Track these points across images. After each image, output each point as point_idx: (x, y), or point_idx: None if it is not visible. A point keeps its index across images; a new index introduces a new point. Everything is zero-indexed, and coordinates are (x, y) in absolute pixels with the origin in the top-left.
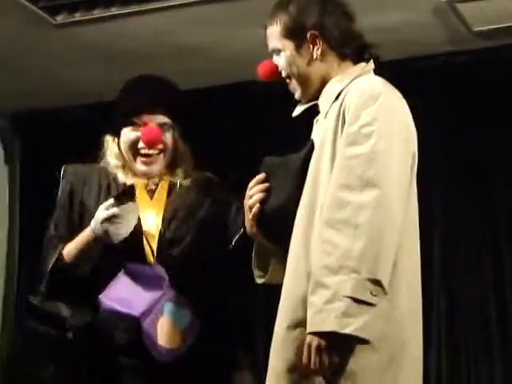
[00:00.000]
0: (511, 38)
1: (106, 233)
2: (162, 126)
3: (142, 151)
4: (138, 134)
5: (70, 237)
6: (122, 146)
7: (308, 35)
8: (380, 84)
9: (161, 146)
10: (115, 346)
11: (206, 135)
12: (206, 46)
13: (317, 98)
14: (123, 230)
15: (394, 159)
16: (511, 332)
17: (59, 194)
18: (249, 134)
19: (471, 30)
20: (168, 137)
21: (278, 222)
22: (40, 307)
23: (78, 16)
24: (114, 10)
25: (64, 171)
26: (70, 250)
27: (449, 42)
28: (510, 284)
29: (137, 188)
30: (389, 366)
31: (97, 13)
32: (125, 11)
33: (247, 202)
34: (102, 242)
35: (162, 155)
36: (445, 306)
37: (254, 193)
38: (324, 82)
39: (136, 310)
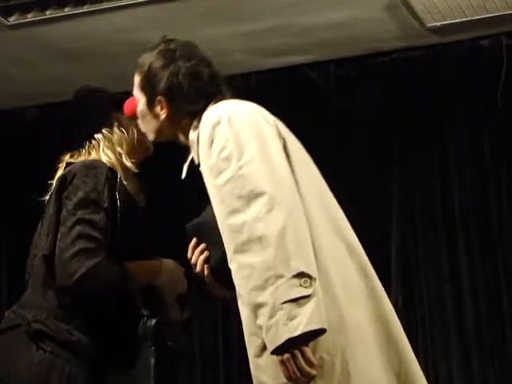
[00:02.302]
0: (464, 33)
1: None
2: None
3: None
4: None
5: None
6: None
7: (157, 99)
8: (217, 108)
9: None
10: None
11: None
12: None
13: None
14: None
15: (259, 162)
16: (469, 326)
17: (105, 197)
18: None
19: (424, 26)
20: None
21: (225, 271)
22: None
23: (30, 16)
24: (68, 10)
25: (112, 177)
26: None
27: (402, 38)
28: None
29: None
30: (359, 342)
31: (50, 13)
32: (78, 11)
33: (197, 270)
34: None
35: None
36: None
37: (196, 258)
38: (180, 132)
39: None
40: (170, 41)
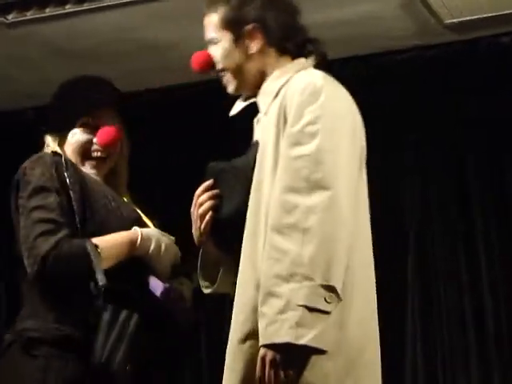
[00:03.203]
0: (483, 30)
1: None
2: (119, 128)
3: (95, 154)
4: (90, 136)
5: (72, 225)
6: (69, 148)
7: (247, 28)
8: (321, 79)
9: (113, 150)
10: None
11: (167, 132)
12: (162, 42)
13: (254, 95)
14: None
15: (342, 158)
16: (487, 332)
17: (52, 179)
18: (208, 128)
19: (442, 23)
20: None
21: (231, 230)
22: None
23: (30, 14)
24: (68, 8)
25: (63, 159)
26: (107, 247)
27: (418, 36)
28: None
29: None
30: (347, 373)
31: (49, 11)
32: (79, 9)
33: (196, 211)
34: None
35: (108, 160)
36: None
37: (203, 200)
38: (261, 78)
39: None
40: None
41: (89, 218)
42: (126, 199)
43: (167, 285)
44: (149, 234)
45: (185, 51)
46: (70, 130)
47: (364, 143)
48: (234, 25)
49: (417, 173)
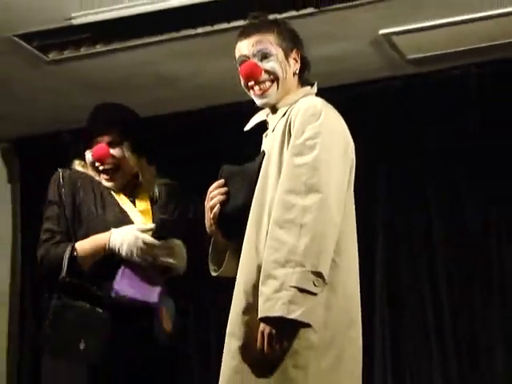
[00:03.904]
0: (441, 63)
1: (132, 255)
2: (109, 143)
3: (100, 168)
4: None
5: (68, 232)
6: (88, 165)
7: (295, 51)
8: (320, 104)
9: (110, 161)
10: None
11: (182, 152)
12: (181, 75)
13: (272, 107)
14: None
15: (334, 168)
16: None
17: (54, 194)
18: (216, 148)
19: (404, 58)
20: (117, 153)
21: (234, 222)
22: (74, 284)
23: (66, 53)
24: (99, 48)
25: (61, 175)
26: (84, 248)
27: (385, 69)
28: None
29: (119, 198)
30: (329, 346)
31: (83, 50)
32: (107, 48)
33: (208, 204)
34: (115, 254)
35: (120, 171)
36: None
37: (214, 195)
38: (287, 94)
39: (151, 299)
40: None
41: (78, 224)
42: (139, 202)
43: (119, 284)
44: (122, 235)
45: (197, 82)
46: (85, 153)
47: (353, 156)
48: (286, 46)
49: (389, 201)
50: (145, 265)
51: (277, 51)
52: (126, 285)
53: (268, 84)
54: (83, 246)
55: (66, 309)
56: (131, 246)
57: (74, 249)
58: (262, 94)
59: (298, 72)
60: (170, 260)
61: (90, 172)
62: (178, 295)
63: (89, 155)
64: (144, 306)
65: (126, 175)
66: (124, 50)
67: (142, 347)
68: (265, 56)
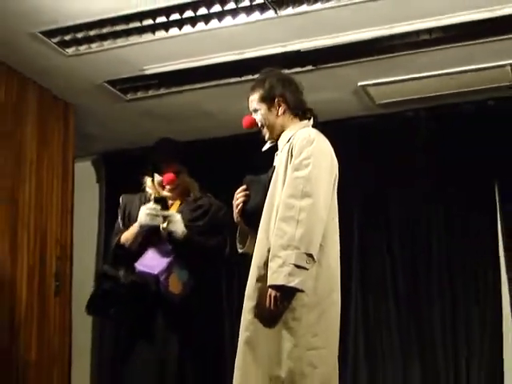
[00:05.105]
0: (403, 107)
1: (144, 223)
2: (175, 172)
3: (166, 187)
4: (161, 178)
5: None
6: (155, 183)
7: (276, 100)
8: (314, 133)
9: (175, 185)
10: (147, 292)
11: (219, 170)
12: (215, 111)
13: (277, 139)
14: (155, 223)
15: (322, 180)
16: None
17: (119, 211)
18: (243, 165)
19: (375, 103)
20: (180, 177)
21: (253, 216)
22: (108, 272)
23: (139, 94)
24: (162, 90)
25: (121, 198)
26: (125, 235)
27: (361, 110)
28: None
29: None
30: (316, 305)
31: (151, 92)
32: (168, 91)
33: (235, 202)
34: (142, 231)
35: (177, 189)
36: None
37: (239, 196)
38: (282, 129)
39: (155, 271)
40: (271, 71)
41: (126, 227)
42: (176, 204)
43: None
44: (140, 213)
45: (228, 116)
46: (154, 174)
47: (337, 171)
48: (267, 99)
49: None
50: (155, 228)
51: (260, 107)
52: (139, 264)
53: (263, 128)
54: (125, 234)
55: (105, 280)
56: (142, 215)
57: (118, 239)
58: (263, 134)
59: (287, 110)
60: (167, 225)
61: (156, 186)
62: (192, 264)
63: (158, 178)
64: (151, 276)
65: (183, 195)
66: (179, 93)
67: (151, 305)
68: (255, 110)
